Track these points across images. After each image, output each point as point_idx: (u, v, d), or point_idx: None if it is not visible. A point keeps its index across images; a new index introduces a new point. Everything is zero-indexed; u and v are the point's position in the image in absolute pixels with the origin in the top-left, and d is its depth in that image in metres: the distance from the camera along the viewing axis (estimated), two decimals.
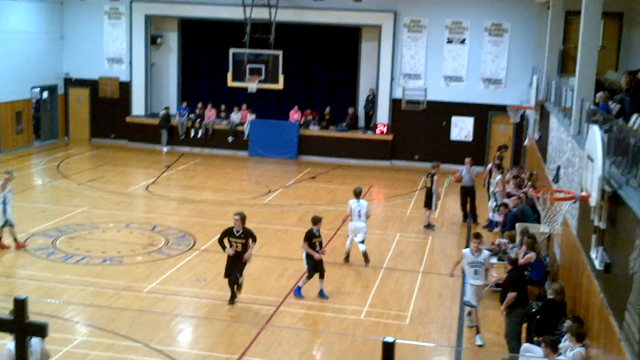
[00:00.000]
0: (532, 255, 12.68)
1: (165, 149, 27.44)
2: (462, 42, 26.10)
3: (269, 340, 11.29)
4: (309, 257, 13.04)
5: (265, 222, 17.86)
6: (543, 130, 18.90)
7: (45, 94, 28.35)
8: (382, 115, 26.79)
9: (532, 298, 12.34)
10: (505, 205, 16.34)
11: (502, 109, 24.10)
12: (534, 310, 11.18)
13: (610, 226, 8.73)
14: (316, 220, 13.27)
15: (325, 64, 28.42)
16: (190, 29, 28.92)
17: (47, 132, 28.44)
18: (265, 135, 27.19)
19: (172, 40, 29.04)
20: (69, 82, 28.81)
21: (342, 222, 16.63)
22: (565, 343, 9.35)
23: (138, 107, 28.43)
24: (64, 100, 28.91)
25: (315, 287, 13.49)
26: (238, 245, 12.56)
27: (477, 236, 11.92)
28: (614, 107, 12.86)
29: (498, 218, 16.75)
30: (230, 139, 27.53)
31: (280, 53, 24.65)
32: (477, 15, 25.84)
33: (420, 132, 26.51)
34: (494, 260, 13.69)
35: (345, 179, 23.64)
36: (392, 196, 21.82)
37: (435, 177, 17.87)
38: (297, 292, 13.17)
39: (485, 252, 11.91)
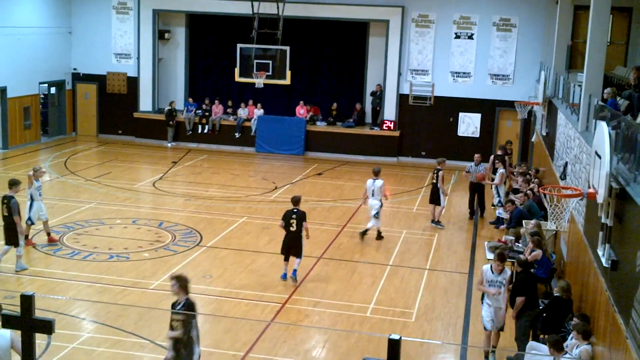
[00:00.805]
0: (538, 253, 12.63)
1: (170, 144, 27.47)
2: (470, 37, 26.00)
3: (275, 336, 11.30)
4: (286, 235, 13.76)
5: (272, 219, 17.86)
6: (550, 126, 18.83)
7: (53, 90, 28.41)
8: (389, 111, 26.73)
9: (539, 296, 12.30)
10: (512, 202, 16.29)
11: (509, 104, 24.03)
12: (540, 307, 11.15)
13: (618, 223, 8.68)
14: (296, 201, 13.95)
15: (332, 60, 28.37)
16: (198, 24, 28.91)
17: (55, 127, 28.51)
18: (272, 131, 27.18)
19: (179, 35, 29.04)
20: (77, 78, 28.87)
21: (362, 202, 17.77)
22: (572, 341, 9.31)
23: (145, 103, 28.45)
24: (71, 96, 28.97)
25: (319, 281, 13.52)
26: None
27: (502, 258, 10.98)
28: (622, 103, 12.77)
29: (504, 214, 16.69)
30: (237, 134, 27.53)
31: (287, 48, 24.63)
32: (486, 10, 25.74)
33: (427, 128, 26.44)
34: None
35: (352, 176, 23.61)
36: (399, 193, 21.77)
37: (440, 173, 17.83)
38: (293, 274, 13.67)
39: (508, 272, 10.98)
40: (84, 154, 25.98)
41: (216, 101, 27.97)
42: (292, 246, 13.78)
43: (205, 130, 27.79)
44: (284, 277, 13.79)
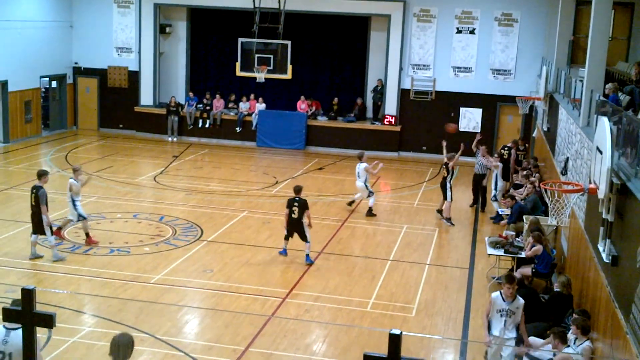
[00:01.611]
0: (538, 248, 12.63)
1: (171, 138, 27.47)
2: (472, 32, 25.96)
3: (275, 331, 11.30)
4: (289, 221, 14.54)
5: (273, 213, 17.86)
6: (552, 121, 18.81)
7: (54, 83, 28.39)
8: (391, 105, 26.71)
9: (539, 291, 12.31)
10: (512, 197, 16.28)
11: (511, 99, 23.98)
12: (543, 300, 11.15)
13: (618, 218, 8.68)
14: (297, 190, 14.76)
15: (333, 54, 28.33)
16: (200, 18, 28.86)
17: (56, 121, 28.51)
18: (273, 126, 27.16)
19: (181, 29, 29.00)
20: (78, 71, 28.86)
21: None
22: (571, 336, 9.31)
23: (146, 97, 28.43)
24: (72, 90, 28.96)
25: (320, 275, 13.56)
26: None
27: (511, 280, 9.58)
28: (624, 98, 12.77)
29: (506, 210, 16.69)
30: (238, 129, 27.52)
31: (289, 43, 24.60)
32: (487, 4, 25.69)
33: (429, 123, 26.41)
34: (500, 252, 13.66)
35: (353, 170, 23.51)
36: (400, 188, 21.77)
37: (450, 166, 17.81)
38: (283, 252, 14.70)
39: (521, 301, 9.62)
40: (84, 148, 25.98)
41: (217, 95, 27.94)
42: (295, 231, 14.55)
43: (207, 125, 27.77)
44: (284, 252, 14.73)
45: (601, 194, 8.82)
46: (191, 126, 27.86)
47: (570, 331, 9.40)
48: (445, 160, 18.03)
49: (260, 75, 24.79)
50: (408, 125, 26.56)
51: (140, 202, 18.82)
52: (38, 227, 13.89)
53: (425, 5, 26.11)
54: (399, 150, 26.55)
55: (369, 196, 18.23)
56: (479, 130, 25.71)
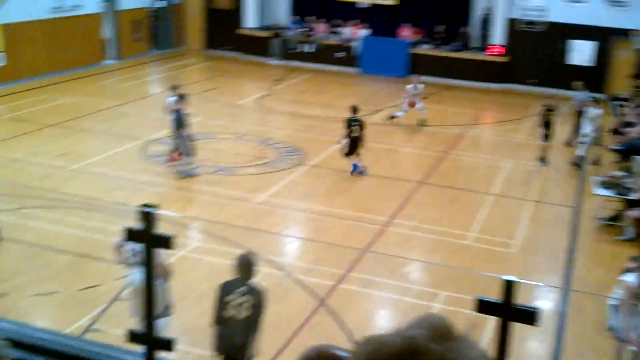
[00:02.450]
0: None
1: (274, 61, 27.63)
2: None
3: (375, 257, 11.46)
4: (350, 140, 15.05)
5: (374, 141, 17.84)
6: None
7: (163, 3, 28.86)
8: (497, 35, 25.88)
9: None
10: (622, 134, 15.67)
11: (625, 33, 22.80)
12: None
13: None
14: (355, 110, 15.24)
15: None
16: None
17: (164, 41, 29.11)
18: (375, 52, 26.83)
19: None
20: None
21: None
22: None
23: (251, 19, 28.57)
24: (179, 10, 29.38)
25: (420, 205, 13.60)
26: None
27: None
28: None
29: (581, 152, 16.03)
30: (340, 54, 27.36)
31: None
32: None
33: (537, 54, 25.47)
34: (609, 193, 13.26)
35: (455, 101, 23.21)
36: (504, 121, 21.29)
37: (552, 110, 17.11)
38: (355, 167, 15.17)
39: None
40: (191, 68, 26.50)
41: (320, 20, 27.75)
42: (355, 149, 15.09)
43: (308, 49, 27.73)
44: (356, 167, 15.23)
45: None
46: (294, 50, 27.90)
47: None
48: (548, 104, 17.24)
49: (365, 0, 24.46)
50: (515, 57, 25.71)
51: (244, 123, 19.17)
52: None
53: None
54: (505, 82, 25.84)
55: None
56: (591, 64, 24.68)
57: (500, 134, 19.81)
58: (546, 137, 16.84)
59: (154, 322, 3.54)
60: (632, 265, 8.85)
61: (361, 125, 15.08)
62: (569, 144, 17.71)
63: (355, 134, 15.03)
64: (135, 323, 7.16)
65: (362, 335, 1.39)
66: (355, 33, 27.32)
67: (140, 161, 15.40)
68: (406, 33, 26.93)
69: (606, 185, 13.37)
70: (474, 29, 27.00)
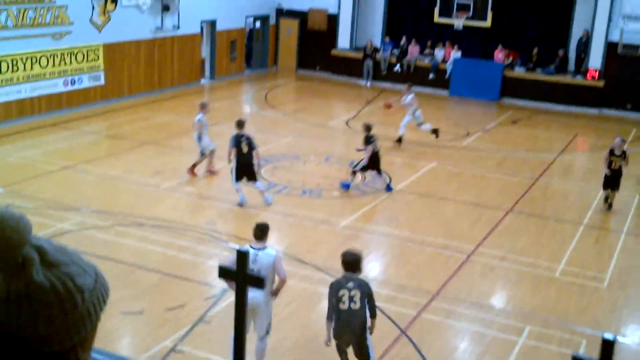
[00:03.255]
0: None
1: (366, 83, 27.74)
2: None
3: (459, 286, 11.31)
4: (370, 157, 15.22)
5: (462, 166, 17.68)
6: None
7: (257, 24, 29.52)
8: (595, 59, 25.18)
9: None
10: None
11: None
12: None
13: None
14: (368, 128, 15.50)
15: (536, 1, 26.99)
16: None
17: (258, 60, 29.74)
18: (467, 75, 26.58)
19: None
20: (281, 13, 29.75)
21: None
22: None
23: (344, 40, 28.83)
24: (274, 31, 29.97)
25: (508, 234, 13.32)
26: None
27: None
28: None
29: None
30: (431, 75, 27.24)
31: None
32: None
33: (637, 79, 24.62)
34: None
35: (548, 125, 22.71)
36: (599, 148, 20.63)
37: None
38: (346, 186, 15.30)
39: None
40: (283, 89, 26.94)
41: (413, 41, 27.73)
42: (375, 168, 15.39)
43: (400, 70, 27.71)
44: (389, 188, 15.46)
45: None
46: (385, 71, 27.95)
47: None
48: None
49: (459, 22, 24.30)
50: (613, 81, 24.95)
51: (332, 145, 19.32)
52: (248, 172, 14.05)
53: None
54: (600, 107, 25.09)
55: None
56: None
57: (594, 160, 19.21)
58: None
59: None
60: None
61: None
62: None
63: (377, 150, 15.31)
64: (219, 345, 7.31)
65: None
66: (448, 55, 27.13)
67: (227, 181, 15.71)
68: (500, 55, 26.55)
69: None
70: (570, 51, 26.37)
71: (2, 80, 18.74)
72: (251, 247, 8.45)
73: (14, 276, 1.52)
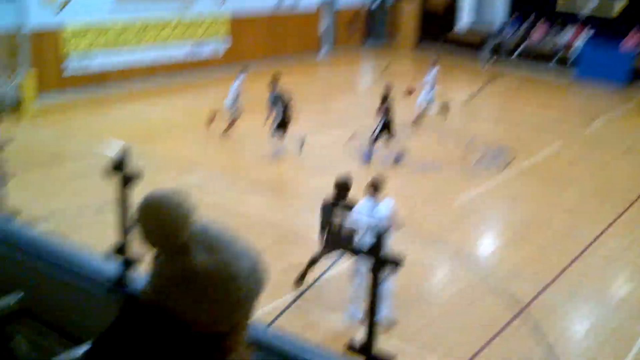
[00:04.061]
0: None
1: (486, 62, 27.02)
2: None
3: (581, 271, 10.81)
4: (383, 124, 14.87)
5: (583, 154, 16.91)
6: None
7: (378, 2, 29.26)
8: None
9: None
10: None
11: None
12: None
13: None
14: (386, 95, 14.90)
15: None
16: None
17: (377, 37, 29.51)
18: (595, 58, 25.34)
19: None
20: None
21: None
22: None
23: (465, 18, 28.16)
24: (395, 10, 29.61)
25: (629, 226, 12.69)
26: None
27: None
28: None
29: None
30: (556, 57, 26.19)
31: None
32: None
33: None
34: None
35: None
36: None
37: None
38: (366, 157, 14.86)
39: None
40: (401, 63, 26.61)
41: (540, 21, 26.70)
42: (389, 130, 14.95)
43: (524, 52, 26.81)
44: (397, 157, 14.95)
45: None
46: (509, 52, 27.11)
47: None
48: None
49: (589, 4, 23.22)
50: None
51: (450, 122, 18.90)
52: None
53: None
54: None
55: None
56: None
57: None
58: None
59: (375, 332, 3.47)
60: None
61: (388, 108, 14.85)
62: None
63: (389, 119, 14.82)
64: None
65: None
66: (576, 37, 26.01)
67: (343, 151, 15.66)
68: (633, 40, 25.21)
69: None
70: None
71: (132, 44, 19.35)
72: (366, 200, 8.77)
73: (176, 259, 1.54)
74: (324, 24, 26.67)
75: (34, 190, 12.22)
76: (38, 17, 17.06)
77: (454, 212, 12.79)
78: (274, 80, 15.13)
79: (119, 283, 4.08)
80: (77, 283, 4.20)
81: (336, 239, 8.90)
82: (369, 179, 8.99)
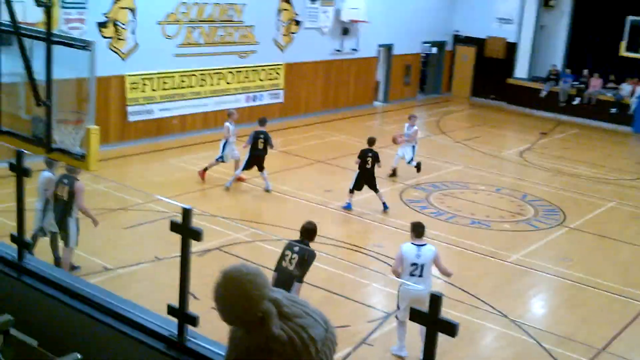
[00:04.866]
0: None
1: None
2: None
3: (634, 337, 10.62)
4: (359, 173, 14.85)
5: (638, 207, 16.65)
6: None
7: (434, 50, 29.47)
8: None
9: None
10: None
11: None
12: None
13: None
14: (371, 142, 15.03)
15: None
16: None
17: (431, 86, 29.67)
18: None
19: (565, 3, 27.95)
20: (457, 40, 29.52)
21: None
22: None
23: (521, 69, 28.16)
24: (450, 57, 29.77)
25: None
26: None
27: None
28: None
29: None
30: (614, 110, 25.92)
31: None
32: None
33: None
34: None
35: None
36: None
37: None
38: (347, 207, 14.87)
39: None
40: (455, 115, 26.68)
41: (595, 74, 26.55)
42: (366, 183, 14.84)
43: (579, 102, 26.64)
44: (349, 206, 14.85)
45: None
46: (564, 103, 26.96)
47: None
48: None
49: None
50: None
51: (503, 176, 18.85)
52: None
53: None
54: None
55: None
56: None
57: None
58: None
59: None
60: None
61: (375, 157, 14.82)
62: None
63: (367, 166, 14.78)
64: None
65: None
66: (635, 90, 25.74)
67: (397, 206, 15.71)
68: None
69: None
70: None
71: (190, 94, 19.91)
72: (412, 243, 9.24)
73: (255, 330, 1.61)
74: (379, 73, 26.93)
75: (91, 244, 12.58)
76: (102, 66, 17.68)
77: (506, 271, 12.69)
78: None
79: (179, 340, 4.24)
80: (135, 339, 4.38)
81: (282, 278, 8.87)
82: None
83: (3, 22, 5.28)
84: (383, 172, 16.40)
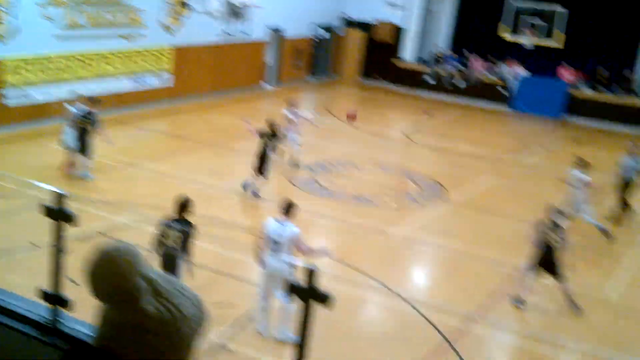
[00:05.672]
0: None
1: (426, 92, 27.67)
2: None
3: (511, 307, 11.16)
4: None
5: (521, 183, 17.46)
6: None
7: (327, 35, 29.74)
8: None
9: None
10: None
11: None
12: None
13: None
14: (270, 125, 14.39)
15: (604, 22, 26.39)
16: None
17: (322, 69, 29.96)
18: (532, 91, 26.27)
19: None
20: (349, 23, 29.89)
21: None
22: None
23: (409, 52, 28.89)
24: (340, 40, 30.14)
25: None
26: None
27: None
28: None
29: None
30: (503, 91, 26.93)
31: (564, 11, 23.38)
32: None
33: None
34: None
35: (610, 146, 22.25)
36: None
37: None
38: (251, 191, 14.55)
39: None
40: (343, 97, 27.07)
41: (476, 55, 27.58)
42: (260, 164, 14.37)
43: (462, 84, 27.60)
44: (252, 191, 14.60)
45: None
46: (451, 86, 27.85)
47: None
48: None
49: (528, 41, 24.01)
50: None
51: (388, 155, 19.33)
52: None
53: None
54: None
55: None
56: None
57: None
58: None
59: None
60: None
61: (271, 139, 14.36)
62: None
63: (265, 148, 14.29)
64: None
65: None
66: (514, 71, 26.88)
67: (288, 186, 15.87)
68: (566, 74, 26.17)
69: None
70: (638, 72, 25.83)
71: (74, 77, 19.36)
72: (276, 220, 9.12)
73: (126, 306, 1.63)
74: (269, 56, 26.97)
75: None
76: None
77: (390, 245, 13.08)
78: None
79: (53, 325, 4.18)
80: (8, 325, 4.28)
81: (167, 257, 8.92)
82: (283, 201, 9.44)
83: None
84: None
